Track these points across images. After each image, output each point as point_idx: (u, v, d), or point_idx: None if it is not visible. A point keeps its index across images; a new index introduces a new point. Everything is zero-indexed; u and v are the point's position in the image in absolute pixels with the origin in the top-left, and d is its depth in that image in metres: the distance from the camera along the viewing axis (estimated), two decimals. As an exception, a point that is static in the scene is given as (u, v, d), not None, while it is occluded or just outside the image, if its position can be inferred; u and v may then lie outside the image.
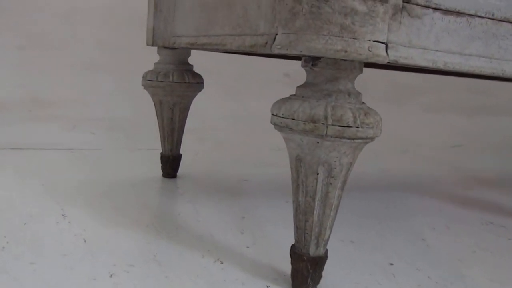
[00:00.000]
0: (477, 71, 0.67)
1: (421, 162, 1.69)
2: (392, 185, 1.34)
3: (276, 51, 0.61)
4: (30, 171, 1.13)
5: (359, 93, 0.63)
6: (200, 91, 1.14)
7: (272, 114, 0.64)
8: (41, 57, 1.86)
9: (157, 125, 1.15)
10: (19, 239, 0.76)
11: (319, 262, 0.66)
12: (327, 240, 0.67)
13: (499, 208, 1.19)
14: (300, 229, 0.66)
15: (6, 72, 1.77)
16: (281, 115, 0.62)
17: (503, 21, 0.68)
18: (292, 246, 0.68)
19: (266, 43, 0.65)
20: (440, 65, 0.63)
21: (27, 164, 1.19)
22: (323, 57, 0.60)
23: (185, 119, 1.15)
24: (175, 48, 1.08)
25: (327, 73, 0.61)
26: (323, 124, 0.58)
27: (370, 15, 0.56)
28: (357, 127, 0.59)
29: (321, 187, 0.63)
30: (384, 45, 0.58)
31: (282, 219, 0.96)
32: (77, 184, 1.06)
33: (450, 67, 0.64)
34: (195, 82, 1.11)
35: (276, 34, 0.62)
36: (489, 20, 0.67)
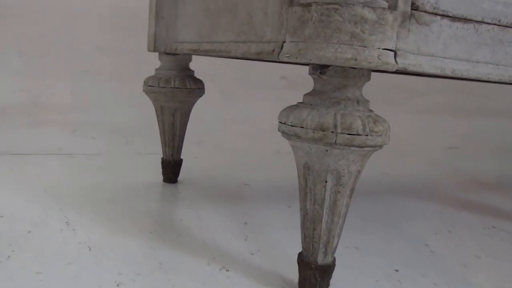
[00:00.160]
0: (485, 77, 0.67)
1: (419, 164, 1.69)
2: (392, 188, 1.34)
3: (284, 59, 0.60)
4: (32, 177, 1.12)
5: (367, 101, 0.63)
6: (201, 96, 1.14)
7: (280, 122, 0.64)
8: (41, 62, 1.85)
9: (157, 129, 1.14)
10: (24, 247, 0.75)
11: (327, 270, 0.66)
12: (335, 248, 0.66)
13: (500, 211, 1.19)
14: (308, 237, 0.65)
15: (6, 77, 1.76)
16: (290, 123, 0.62)
17: (509, 27, 0.69)
18: (300, 254, 0.68)
19: (273, 50, 0.64)
20: (448, 72, 0.63)
21: (28, 170, 1.18)
22: (331, 65, 0.60)
23: (186, 124, 1.14)
24: (176, 54, 1.08)
25: (335, 81, 0.61)
26: (332, 132, 0.58)
27: (379, 23, 0.56)
28: (366, 135, 0.59)
29: (330, 195, 0.63)
30: (393, 53, 0.58)
31: (285, 225, 0.96)
32: (79, 190, 1.05)
33: (458, 74, 0.64)
34: (196, 87, 1.11)
35: (284, 42, 0.62)
36: (496, 26, 0.67)
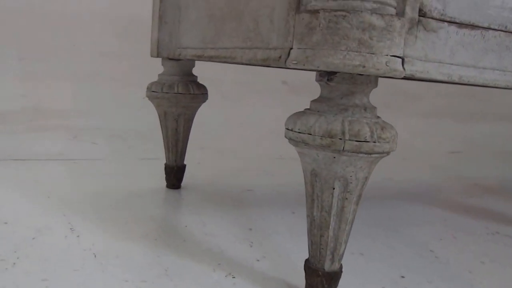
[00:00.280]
0: (491, 84, 0.67)
1: (421, 169, 1.69)
2: (395, 193, 1.34)
3: (292, 66, 0.60)
4: (34, 183, 1.12)
5: (374, 107, 0.63)
6: (204, 102, 1.13)
7: (287, 129, 0.64)
8: (41, 67, 1.85)
9: (158, 134, 1.14)
10: (29, 254, 0.75)
11: (334, 277, 0.66)
12: (342, 254, 0.66)
13: (504, 216, 1.19)
14: (315, 244, 0.65)
15: (7, 82, 1.76)
16: (297, 130, 0.61)
17: (516, 33, 0.69)
18: (306, 261, 0.68)
19: (280, 57, 0.64)
20: (455, 79, 0.63)
21: (31, 175, 1.18)
22: (339, 72, 0.60)
23: (190, 130, 1.14)
24: (180, 60, 1.07)
25: (343, 87, 0.61)
26: (340, 139, 0.58)
27: (387, 29, 0.56)
28: (374, 142, 0.59)
29: (337, 202, 0.63)
30: (400, 60, 0.58)
31: (289, 230, 0.96)
32: (82, 196, 1.05)
33: (465, 80, 0.64)
34: (200, 93, 1.11)
35: (291, 48, 0.62)
36: (502, 32, 0.67)
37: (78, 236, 0.83)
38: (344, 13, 0.55)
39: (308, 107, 0.65)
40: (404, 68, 0.59)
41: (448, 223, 1.10)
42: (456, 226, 1.09)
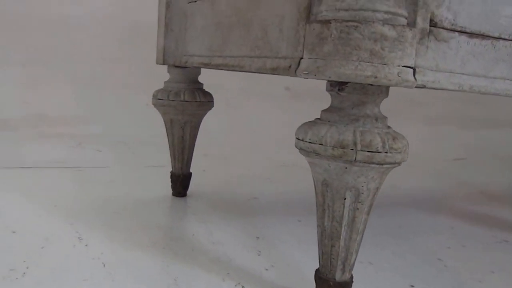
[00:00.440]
0: (503, 93, 0.66)
1: (426, 176, 1.69)
2: (401, 201, 1.33)
3: (303, 76, 0.60)
4: (41, 191, 1.11)
5: (385, 117, 0.63)
6: (210, 109, 1.13)
7: (297, 139, 0.64)
8: (44, 73, 1.85)
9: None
10: (38, 264, 0.75)
11: (345, 287, 0.66)
12: (353, 264, 0.66)
13: (511, 225, 1.19)
14: (326, 254, 0.65)
15: (10, 90, 1.76)
16: (308, 140, 0.61)
17: (526, 43, 0.68)
18: (317, 271, 0.68)
19: (290, 66, 0.64)
20: (466, 89, 0.63)
21: (37, 184, 1.18)
22: (350, 82, 0.60)
23: (195, 138, 1.14)
24: (186, 67, 1.07)
25: (354, 97, 0.60)
26: (352, 149, 0.58)
27: (399, 40, 0.56)
28: (386, 153, 0.58)
29: (348, 212, 0.62)
30: (412, 70, 0.58)
31: (297, 239, 0.96)
32: (89, 204, 1.05)
33: (476, 90, 0.64)
34: (206, 100, 1.11)
35: (301, 58, 0.62)
36: (512, 42, 0.67)
37: (86, 245, 0.83)
38: (356, 24, 0.55)
39: (317, 117, 0.64)
40: (415, 78, 0.59)
41: (456, 231, 1.10)
42: (464, 234, 1.09)
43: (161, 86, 1.13)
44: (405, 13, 0.57)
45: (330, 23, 0.57)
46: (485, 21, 0.64)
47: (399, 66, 0.56)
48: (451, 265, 0.90)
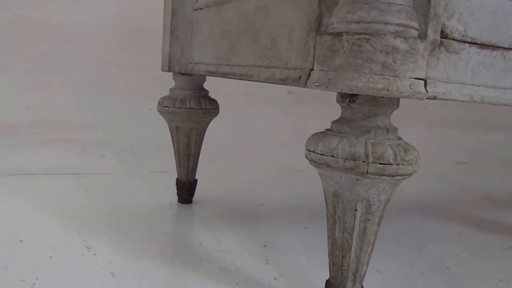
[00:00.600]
0: (513, 104, 0.66)
1: (429, 180, 1.69)
2: (406, 206, 1.33)
3: (314, 87, 0.60)
4: (46, 199, 1.11)
5: (396, 129, 0.63)
6: (215, 116, 1.13)
7: (308, 150, 0.64)
8: (47, 79, 1.85)
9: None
10: (48, 274, 0.75)
11: (356, 298, 0.66)
12: (364, 275, 0.66)
13: (516, 230, 1.19)
14: (337, 265, 0.65)
15: (13, 95, 1.76)
16: (319, 152, 0.61)
17: (535, 53, 0.68)
18: (327, 282, 0.68)
19: (300, 77, 0.64)
20: (477, 100, 0.63)
21: (41, 190, 1.18)
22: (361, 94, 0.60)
23: (201, 145, 1.14)
24: (192, 75, 1.07)
25: (365, 109, 0.60)
26: (364, 161, 0.58)
27: (411, 52, 0.56)
28: (398, 164, 0.58)
29: (359, 224, 0.62)
30: (423, 82, 0.58)
31: (304, 247, 0.95)
32: (96, 212, 1.05)
33: (486, 101, 0.64)
34: (212, 107, 1.11)
35: (311, 70, 0.62)
36: (522, 52, 0.67)
37: (94, 255, 0.83)
38: (367, 36, 0.55)
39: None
40: (426, 90, 0.59)
41: (462, 238, 1.10)
42: (471, 241, 1.09)
43: (165, 91, 1.13)
44: (416, 25, 0.57)
45: (342, 35, 0.56)
46: (495, 32, 0.64)
47: (410, 78, 0.56)
48: (459, 273, 0.90)
